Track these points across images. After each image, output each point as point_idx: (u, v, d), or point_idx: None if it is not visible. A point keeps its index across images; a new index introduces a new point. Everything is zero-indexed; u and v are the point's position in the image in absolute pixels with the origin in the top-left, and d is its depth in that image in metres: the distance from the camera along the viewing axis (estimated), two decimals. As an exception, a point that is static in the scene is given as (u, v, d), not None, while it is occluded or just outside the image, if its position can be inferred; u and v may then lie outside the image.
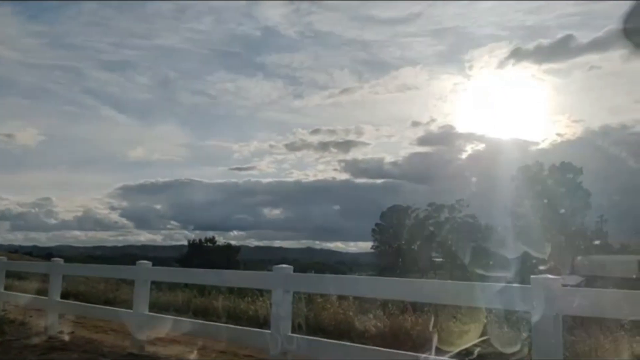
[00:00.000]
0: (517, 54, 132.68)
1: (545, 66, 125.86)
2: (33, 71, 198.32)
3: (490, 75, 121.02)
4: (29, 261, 30.38)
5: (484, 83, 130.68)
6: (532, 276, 3.77)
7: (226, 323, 7.85)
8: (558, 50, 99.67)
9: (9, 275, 12.06)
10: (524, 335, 3.79)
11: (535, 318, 3.61)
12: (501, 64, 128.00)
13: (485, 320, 5.45)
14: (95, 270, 12.40)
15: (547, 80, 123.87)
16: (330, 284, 6.10)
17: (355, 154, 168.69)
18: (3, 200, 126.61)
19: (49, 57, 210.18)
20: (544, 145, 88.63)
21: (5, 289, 10.60)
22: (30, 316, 9.29)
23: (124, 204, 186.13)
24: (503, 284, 3.94)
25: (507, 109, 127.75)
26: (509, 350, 3.87)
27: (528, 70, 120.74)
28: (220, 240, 66.52)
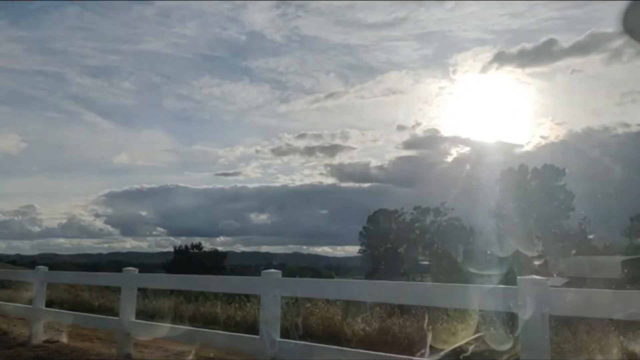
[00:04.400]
0: (501, 58, 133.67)
1: (529, 70, 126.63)
2: (14, 76, 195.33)
3: (474, 79, 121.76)
4: (12, 269, 29.94)
5: (469, 87, 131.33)
6: (518, 277, 3.81)
7: (214, 329, 7.81)
8: (541, 53, 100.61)
9: (-8, 284, 11.89)
10: (514, 334, 3.82)
11: (523, 318, 3.65)
12: (485, 68, 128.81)
13: (474, 321, 5.49)
14: (80, 277, 12.26)
15: (531, 83, 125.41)
16: (319, 288, 6.10)
17: (342, 158, 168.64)
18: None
19: (30, 62, 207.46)
20: (528, 147, 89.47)
21: (-12, 298, 10.45)
22: (14, 325, 9.17)
23: (109, 210, 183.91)
24: (491, 286, 3.97)
25: (491, 112, 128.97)
26: (500, 348, 3.90)
27: (512, 73, 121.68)
28: (207, 246, 66.26)
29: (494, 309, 4.40)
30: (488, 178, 62.05)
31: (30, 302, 8.68)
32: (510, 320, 5.26)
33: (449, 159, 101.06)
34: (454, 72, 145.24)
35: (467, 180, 66.91)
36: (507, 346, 3.93)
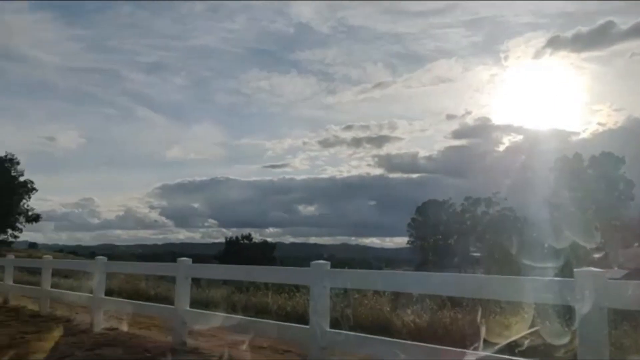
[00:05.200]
0: (555, 43, 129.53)
1: (585, 54, 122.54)
2: (72, 75, 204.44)
3: (527, 65, 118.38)
4: (74, 260, 31.35)
5: (521, 73, 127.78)
6: (575, 270, 3.69)
7: (266, 319, 7.94)
8: (598, 37, 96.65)
9: (55, 273, 12.48)
10: (570, 328, 3.70)
11: (580, 311, 3.54)
12: (538, 54, 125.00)
13: (528, 314, 5.36)
14: (137, 267, 12.73)
15: (587, 68, 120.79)
16: (368, 279, 6.10)
17: (389, 149, 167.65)
18: (47, 202, 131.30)
19: (87, 60, 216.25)
20: (584, 135, 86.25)
21: (52, 287, 10.98)
22: (77, 313, 9.60)
23: (163, 202, 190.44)
24: (548, 278, 3.87)
25: (545, 99, 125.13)
26: (557, 342, 3.79)
27: (566, 59, 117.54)
28: (257, 237, 67.34)
29: (550, 302, 4.28)
30: (542, 167, 60.06)
31: (91, 291, 9.07)
32: (567, 313, 5.11)
33: (501, 147, 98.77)
34: (506, 58, 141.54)
35: (520, 169, 65.06)
36: (563, 340, 3.82)
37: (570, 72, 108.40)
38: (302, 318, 7.95)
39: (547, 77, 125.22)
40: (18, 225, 51.89)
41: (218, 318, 6.88)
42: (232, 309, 10.05)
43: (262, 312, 10.55)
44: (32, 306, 10.96)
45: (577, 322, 3.57)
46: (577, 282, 3.64)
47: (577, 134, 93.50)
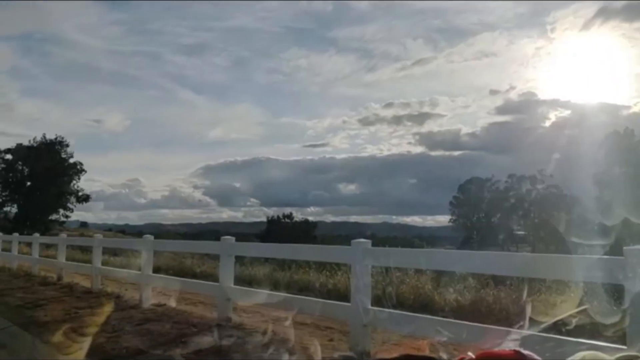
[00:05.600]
0: (605, 13, 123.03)
1: (638, 24, 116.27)
2: (116, 58, 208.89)
3: (575, 37, 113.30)
4: (122, 238, 32.43)
5: (569, 46, 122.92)
6: (625, 248, 3.57)
7: (308, 296, 8.03)
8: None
9: (105, 252, 12.95)
10: (620, 307, 3.59)
11: (631, 290, 3.43)
12: (587, 25, 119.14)
13: (575, 293, 5.23)
14: (183, 245, 13.07)
15: (639, 39, 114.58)
16: (410, 258, 6.08)
17: (430, 126, 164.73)
18: (96, 182, 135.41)
19: (129, 44, 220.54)
20: (635, 109, 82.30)
21: (102, 264, 11.41)
22: (126, 289, 9.94)
23: (206, 182, 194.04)
24: (597, 256, 3.75)
25: (594, 72, 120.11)
26: (606, 321, 3.69)
27: (617, 29, 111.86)
28: (298, 216, 67.97)
29: (600, 281, 4.16)
30: (590, 142, 57.93)
31: (139, 268, 9.37)
32: (616, 292, 4.95)
33: (547, 123, 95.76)
34: (552, 30, 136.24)
35: (567, 145, 63.01)
36: (613, 320, 3.72)
37: (622, 44, 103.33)
38: (343, 296, 8.00)
39: (596, 49, 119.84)
40: (69, 205, 53.84)
41: (261, 295, 7.01)
42: (275, 286, 10.21)
43: (304, 289, 10.67)
44: (84, 283, 11.42)
45: (627, 301, 3.47)
46: (628, 260, 3.52)
47: (628, 107, 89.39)
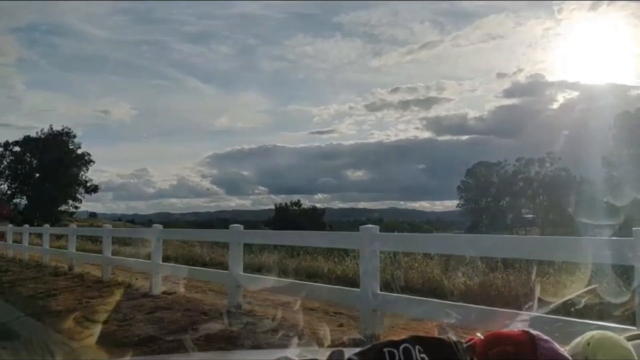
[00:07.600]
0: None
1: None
2: (122, 48, 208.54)
3: (583, 18, 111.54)
4: (132, 228, 32.67)
5: (577, 26, 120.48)
6: (634, 228, 3.55)
7: (317, 282, 8.07)
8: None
9: (115, 241, 13.05)
10: (629, 287, 3.58)
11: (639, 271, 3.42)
12: (595, 4, 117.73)
13: (584, 274, 5.22)
14: (192, 234, 13.16)
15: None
16: (417, 242, 6.08)
17: (438, 110, 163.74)
18: (105, 173, 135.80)
19: (135, 33, 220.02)
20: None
21: (112, 254, 11.50)
22: (136, 278, 10.02)
23: (214, 171, 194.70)
24: (605, 237, 3.74)
25: (603, 52, 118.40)
26: (615, 301, 3.69)
27: (626, 9, 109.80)
28: (306, 203, 68.09)
29: (609, 262, 4.15)
30: (600, 124, 57.34)
31: (148, 257, 9.44)
32: (625, 273, 4.94)
33: (555, 105, 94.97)
34: (560, 11, 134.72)
35: (576, 127, 62.42)
36: (622, 299, 3.71)
37: (630, 23, 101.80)
38: (352, 281, 8.04)
39: (605, 29, 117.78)
40: (78, 196, 54.27)
41: (271, 281, 7.05)
42: (284, 273, 10.27)
43: (312, 275, 10.72)
44: (95, 272, 11.53)
45: (636, 281, 3.45)
46: (637, 240, 3.50)
47: (637, 87, 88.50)
